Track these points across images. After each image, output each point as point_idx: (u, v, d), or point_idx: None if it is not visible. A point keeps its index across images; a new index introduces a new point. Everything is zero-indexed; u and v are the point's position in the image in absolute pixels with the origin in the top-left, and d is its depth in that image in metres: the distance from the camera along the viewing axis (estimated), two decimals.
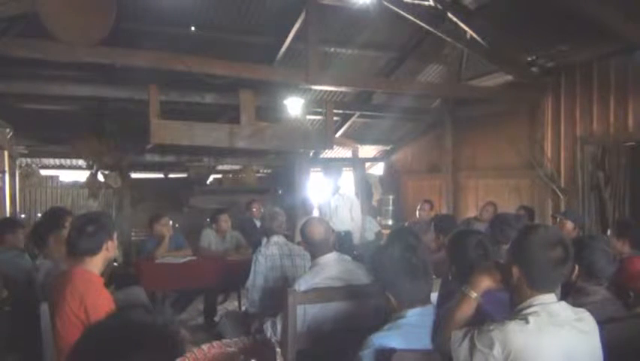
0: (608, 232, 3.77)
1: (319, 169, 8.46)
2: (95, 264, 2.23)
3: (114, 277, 4.29)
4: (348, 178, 8.53)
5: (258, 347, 1.60)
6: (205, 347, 1.54)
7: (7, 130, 5.74)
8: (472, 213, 7.25)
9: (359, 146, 9.05)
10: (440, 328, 1.84)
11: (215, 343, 1.58)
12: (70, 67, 5.68)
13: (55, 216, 3.83)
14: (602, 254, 2.35)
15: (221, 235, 5.36)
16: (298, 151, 7.78)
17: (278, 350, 1.54)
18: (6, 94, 5.77)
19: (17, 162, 7.18)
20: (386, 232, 6.71)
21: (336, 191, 6.06)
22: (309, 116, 7.70)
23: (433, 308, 2.01)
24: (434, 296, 2.37)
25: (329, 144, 6.90)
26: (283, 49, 6.37)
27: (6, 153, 5.82)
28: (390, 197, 9.26)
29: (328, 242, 2.96)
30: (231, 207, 6.36)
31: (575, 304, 1.79)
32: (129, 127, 6.73)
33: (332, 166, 7.49)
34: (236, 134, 5.77)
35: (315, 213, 6.37)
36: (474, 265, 2.08)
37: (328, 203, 5.98)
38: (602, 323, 1.74)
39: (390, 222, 8.95)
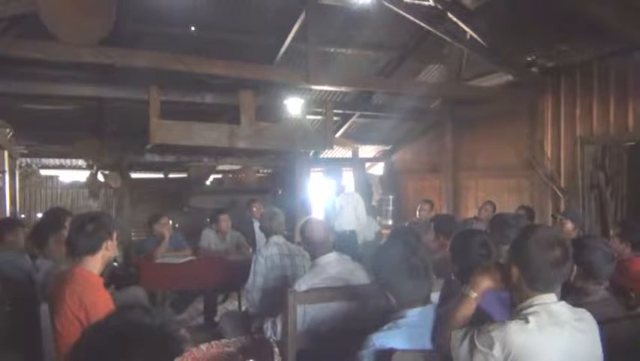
0: (610, 233, 3.76)
1: (320, 169, 8.47)
2: (95, 263, 2.22)
3: (114, 277, 4.29)
4: (348, 178, 8.53)
5: (257, 346, 1.59)
6: (204, 346, 1.53)
7: (7, 130, 5.74)
8: (472, 213, 7.24)
9: (359, 146, 9.06)
10: (440, 328, 1.84)
11: (214, 342, 1.57)
12: (70, 67, 5.68)
13: (55, 216, 3.82)
14: (601, 254, 2.34)
15: (222, 235, 5.36)
16: (298, 151, 7.78)
17: (276, 349, 1.53)
18: (6, 94, 5.77)
19: (17, 162, 7.18)
20: (386, 232, 6.71)
21: (340, 191, 6.05)
22: (309, 116, 7.71)
23: (434, 308, 2.01)
24: (435, 296, 2.37)
25: (329, 144, 6.90)
26: (283, 49, 6.37)
27: (6, 153, 5.82)
28: (390, 197, 9.26)
29: (328, 242, 2.96)
30: (231, 207, 6.36)
31: (575, 304, 1.78)
32: (129, 127, 6.73)
33: (333, 167, 7.50)
34: (236, 135, 5.77)
35: (319, 214, 6.37)
36: (476, 265, 2.08)
37: (333, 203, 5.98)
38: (602, 323, 1.74)
39: (390, 222, 8.95)
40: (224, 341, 1.59)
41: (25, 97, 6.20)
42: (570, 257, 1.68)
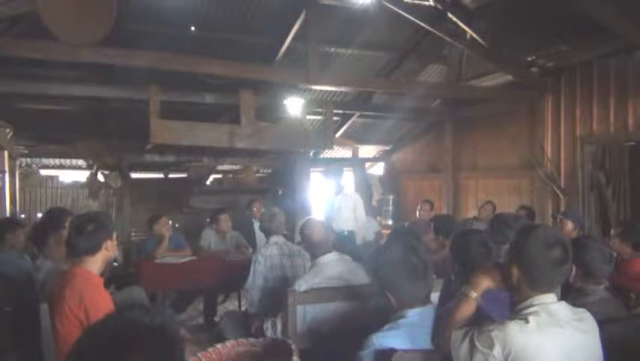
0: (611, 233, 3.76)
1: (320, 169, 8.46)
2: (95, 264, 2.22)
3: (114, 277, 4.29)
4: (348, 178, 8.52)
5: (278, 348, 1.59)
6: (229, 343, 1.52)
7: (7, 130, 5.74)
8: (472, 213, 7.25)
9: (359, 146, 9.06)
10: (440, 328, 1.84)
11: (240, 340, 1.56)
12: (70, 67, 5.68)
13: (55, 217, 3.82)
14: (599, 254, 2.35)
15: (222, 235, 5.36)
16: (298, 151, 7.78)
17: (295, 358, 1.52)
18: (6, 94, 5.77)
19: (17, 162, 7.17)
20: (386, 232, 6.71)
21: (339, 191, 6.04)
22: (309, 116, 7.70)
23: (433, 308, 2.01)
24: (435, 296, 2.37)
25: (329, 144, 6.90)
26: (283, 49, 6.37)
27: (6, 153, 5.81)
28: (390, 197, 9.26)
29: (328, 242, 2.96)
30: (231, 207, 6.35)
31: (575, 304, 1.78)
32: (129, 127, 6.73)
33: (333, 166, 7.49)
34: (236, 135, 5.77)
35: (319, 214, 6.35)
36: (476, 265, 2.08)
37: (331, 203, 5.98)
38: (602, 323, 1.74)
39: (390, 222, 8.94)
40: (251, 340, 1.58)
41: (25, 97, 6.19)
42: (570, 257, 1.68)
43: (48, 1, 4.10)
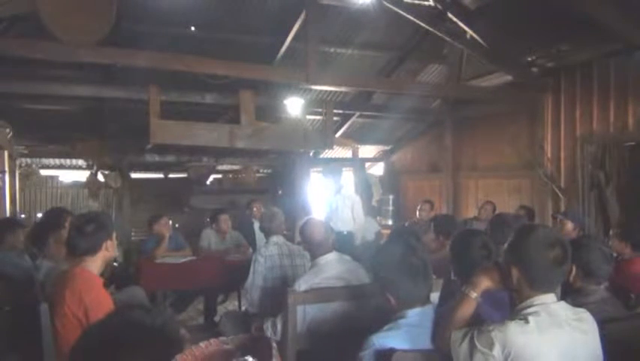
0: (611, 232, 3.76)
1: (319, 169, 8.46)
2: (95, 264, 2.23)
3: (114, 277, 4.29)
4: (348, 178, 8.52)
5: (255, 344, 1.60)
6: (203, 344, 1.53)
7: (7, 130, 5.74)
8: (472, 213, 7.24)
9: (359, 146, 9.05)
10: (440, 328, 1.84)
11: (212, 340, 1.57)
12: (70, 67, 5.68)
13: (55, 216, 3.82)
14: (599, 254, 2.35)
15: (222, 235, 5.36)
16: (298, 151, 7.78)
17: (274, 345, 1.53)
18: (6, 94, 5.77)
19: (17, 162, 7.17)
20: (386, 232, 6.70)
21: (338, 191, 6.04)
22: (309, 116, 7.70)
23: (434, 308, 2.01)
24: (435, 296, 2.37)
25: (329, 144, 6.90)
26: (283, 49, 6.37)
27: (6, 153, 5.81)
28: (390, 197, 9.26)
29: (328, 242, 2.96)
30: (231, 207, 6.35)
31: (575, 304, 1.78)
32: (129, 127, 6.73)
33: (332, 166, 7.49)
34: (236, 135, 5.77)
35: (319, 214, 6.36)
36: (476, 265, 2.08)
37: (329, 204, 5.98)
38: (602, 323, 1.74)
39: (390, 222, 8.94)
40: (222, 338, 1.59)
41: (25, 97, 6.20)
42: (569, 256, 1.69)
43: (48, 1, 4.10)
